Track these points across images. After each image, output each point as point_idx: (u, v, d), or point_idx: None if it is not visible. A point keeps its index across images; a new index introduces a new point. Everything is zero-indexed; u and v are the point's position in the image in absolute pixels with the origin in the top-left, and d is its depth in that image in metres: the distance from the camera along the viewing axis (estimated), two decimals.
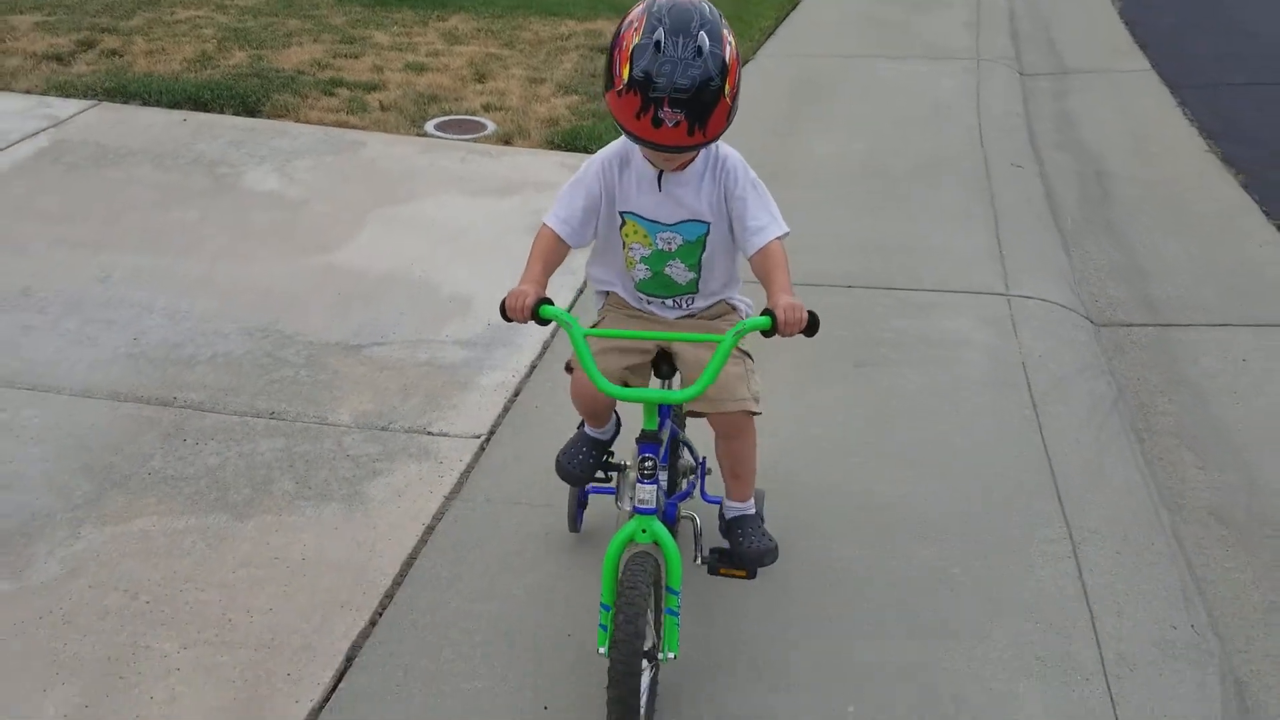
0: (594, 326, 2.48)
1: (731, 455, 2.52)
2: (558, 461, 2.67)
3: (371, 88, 6.31)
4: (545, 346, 3.74)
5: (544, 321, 2.18)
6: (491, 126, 5.92)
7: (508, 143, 5.73)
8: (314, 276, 4.20)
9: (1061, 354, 3.82)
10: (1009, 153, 5.87)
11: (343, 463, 3.14)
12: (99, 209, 4.66)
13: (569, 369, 2.48)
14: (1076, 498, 3.03)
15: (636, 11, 2.16)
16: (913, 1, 9.57)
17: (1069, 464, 3.18)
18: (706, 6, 2.18)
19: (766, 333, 2.14)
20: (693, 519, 2.54)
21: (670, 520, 2.48)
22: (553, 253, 2.33)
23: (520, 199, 4.97)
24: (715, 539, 2.59)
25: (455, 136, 5.79)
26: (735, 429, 2.45)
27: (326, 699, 2.38)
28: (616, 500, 2.55)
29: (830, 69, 7.46)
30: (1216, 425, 3.55)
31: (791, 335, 2.14)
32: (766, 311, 2.13)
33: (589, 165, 2.38)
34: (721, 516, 2.60)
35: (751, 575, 2.51)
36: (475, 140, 5.75)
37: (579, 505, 2.84)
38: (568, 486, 2.77)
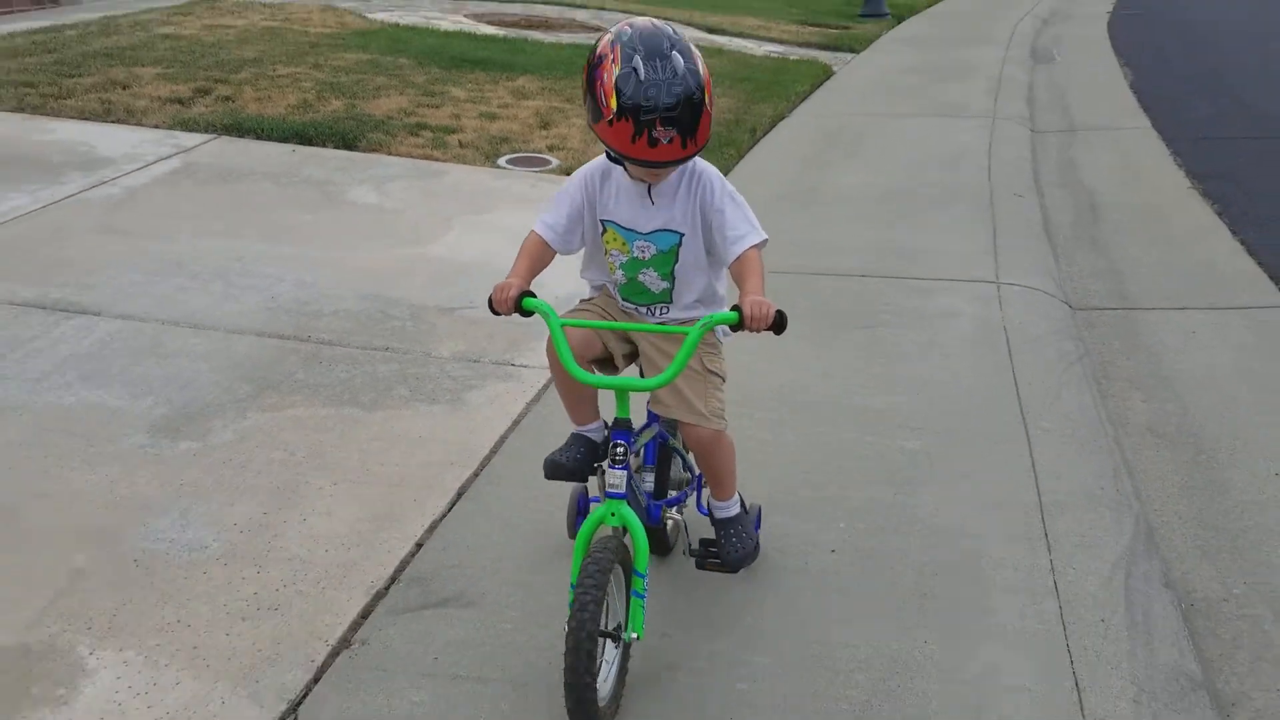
0: (571, 314, 2.67)
1: (705, 467, 2.72)
2: (546, 462, 2.75)
3: (451, 130, 7.32)
4: None
5: (526, 313, 2.41)
6: (555, 162, 6.89)
7: (569, 174, 6.66)
8: (411, 263, 5.10)
9: (1038, 324, 4.61)
10: (1013, 187, 6.73)
11: (445, 380, 3.99)
12: (228, 212, 5.62)
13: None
14: (1036, 412, 3.79)
15: (606, 45, 2.34)
16: (934, 71, 10.58)
17: (1033, 393, 3.94)
18: (669, 28, 2.37)
19: (735, 327, 2.33)
20: (681, 521, 2.81)
21: (654, 521, 2.68)
22: (538, 254, 2.58)
23: None
24: (705, 530, 2.85)
25: (524, 169, 6.76)
26: (703, 446, 2.62)
27: (442, 516, 3.18)
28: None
29: (858, 124, 8.41)
30: (1164, 376, 4.31)
31: (758, 330, 2.29)
32: (735, 307, 2.31)
33: (573, 179, 2.62)
34: (711, 515, 2.79)
35: (733, 571, 2.75)
36: (541, 172, 6.71)
37: (579, 513, 2.78)
38: (571, 489, 2.83)
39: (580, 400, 2.75)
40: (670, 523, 2.92)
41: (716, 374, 2.61)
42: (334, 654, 2.60)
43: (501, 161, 6.83)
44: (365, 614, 2.75)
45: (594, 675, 2.22)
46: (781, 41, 12.59)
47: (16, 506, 3.11)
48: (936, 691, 2.47)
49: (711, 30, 12.67)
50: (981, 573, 2.91)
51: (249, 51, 8.95)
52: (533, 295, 2.41)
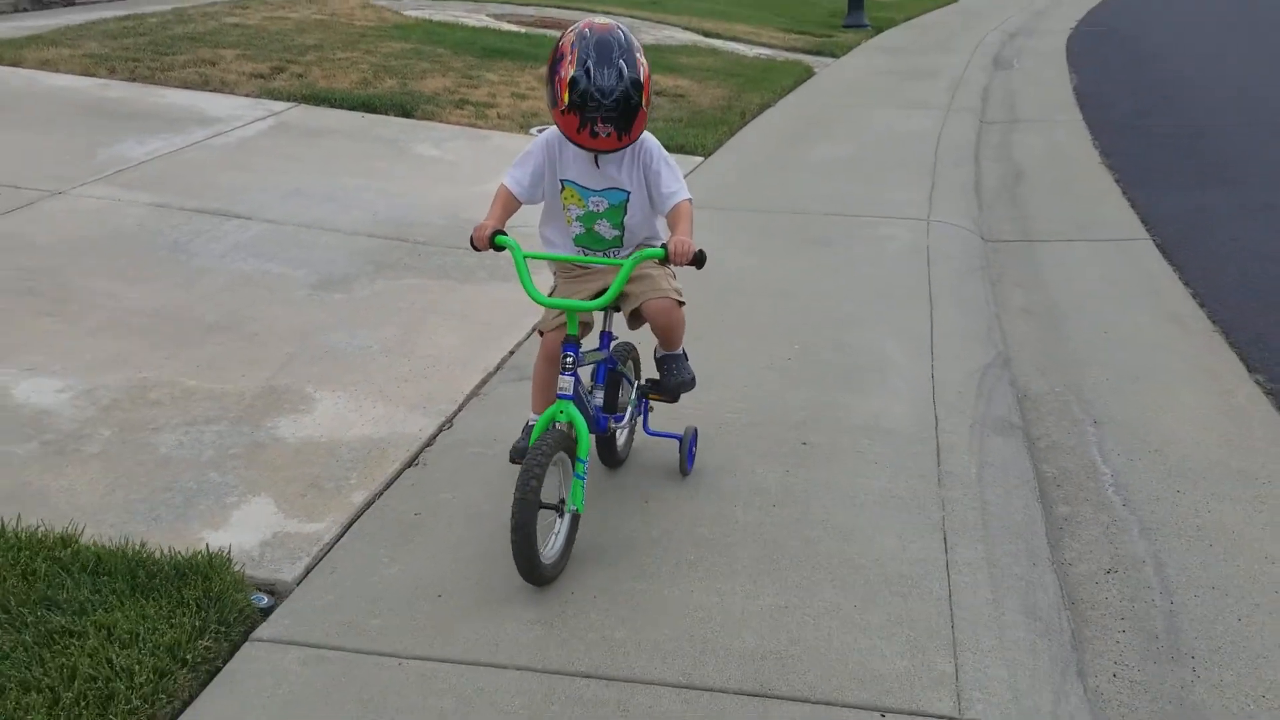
0: (550, 293, 3.23)
1: (661, 330, 3.29)
2: (514, 450, 3.25)
3: (489, 106, 8.87)
4: None
5: (499, 248, 3.00)
6: None
7: None
8: (473, 196, 6.61)
9: (954, 247, 6.18)
10: (955, 158, 8.32)
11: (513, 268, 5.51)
12: (322, 158, 7.14)
13: (540, 332, 3.25)
14: (940, 295, 5.34)
15: (568, 44, 2.90)
16: (904, 73, 12.21)
17: (940, 287, 5.48)
18: (622, 34, 2.93)
19: (662, 261, 2.96)
20: (679, 436, 3.47)
21: (601, 430, 3.23)
22: (507, 204, 3.14)
23: None
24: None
25: None
26: (665, 314, 3.18)
27: (522, 341, 4.68)
28: None
29: (832, 113, 10.01)
30: (1042, 280, 5.87)
31: (681, 265, 2.92)
32: (663, 245, 2.95)
33: (536, 142, 3.13)
34: (655, 357, 3.43)
35: (674, 399, 3.41)
36: None
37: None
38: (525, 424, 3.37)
39: (547, 388, 3.19)
40: (621, 435, 3.51)
41: (673, 274, 3.25)
42: (468, 399, 4.11)
43: (532, 130, 8.37)
44: (483, 382, 4.26)
45: (533, 538, 2.76)
46: (770, 45, 14.20)
47: (233, 324, 4.61)
48: (846, 414, 4.00)
49: (707, 34, 14.27)
50: (884, 366, 4.46)
51: (308, 39, 10.49)
52: (504, 233, 3.03)
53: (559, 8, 14.75)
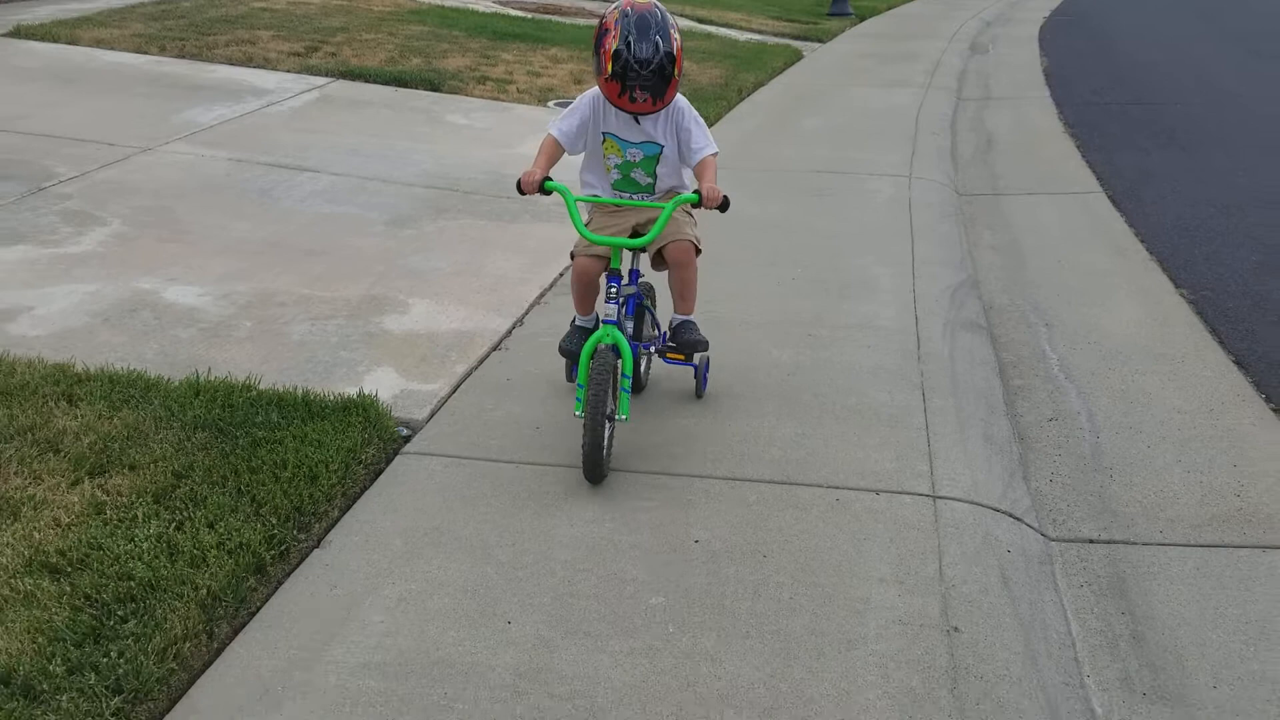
0: (585, 224, 3.62)
1: (679, 280, 3.72)
2: (560, 347, 3.84)
3: (508, 82, 9.78)
4: None
5: (548, 192, 3.41)
6: None
7: None
8: (506, 156, 7.53)
9: (932, 197, 7.14)
10: (932, 128, 9.29)
11: (553, 211, 6.43)
12: (368, 124, 8.03)
13: (573, 255, 3.71)
14: (919, 235, 6.29)
15: (612, 20, 3.33)
16: (886, 57, 13.18)
17: (920, 228, 6.43)
18: (659, 12, 3.33)
19: (695, 205, 3.37)
20: (695, 364, 3.94)
21: (634, 353, 3.54)
22: (553, 153, 3.58)
23: None
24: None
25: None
26: (684, 257, 3.64)
27: (566, 268, 5.59)
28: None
29: (820, 89, 10.97)
30: (1008, 226, 6.84)
31: (710, 207, 3.34)
32: (696, 191, 3.39)
33: (583, 98, 3.58)
34: (670, 324, 3.86)
35: (689, 360, 3.84)
36: None
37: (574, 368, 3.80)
38: (565, 360, 3.99)
39: (587, 293, 3.78)
40: (643, 362, 3.99)
41: (695, 223, 3.76)
42: (531, 305, 5.02)
43: (550, 104, 9.30)
44: (541, 294, 5.17)
45: (602, 445, 3.31)
46: (760, 31, 15.16)
47: (327, 250, 5.51)
48: (843, 317, 4.93)
49: (701, 20, 15.21)
50: (874, 284, 5.40)
51: (334, 22, 11.37)
52: (551, 179, 3.47)
53: None
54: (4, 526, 2.99)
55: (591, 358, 3.37)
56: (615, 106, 3.46)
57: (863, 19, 17.90)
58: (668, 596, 2.93)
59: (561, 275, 5.42)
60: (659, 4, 3.44)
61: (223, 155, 6.84)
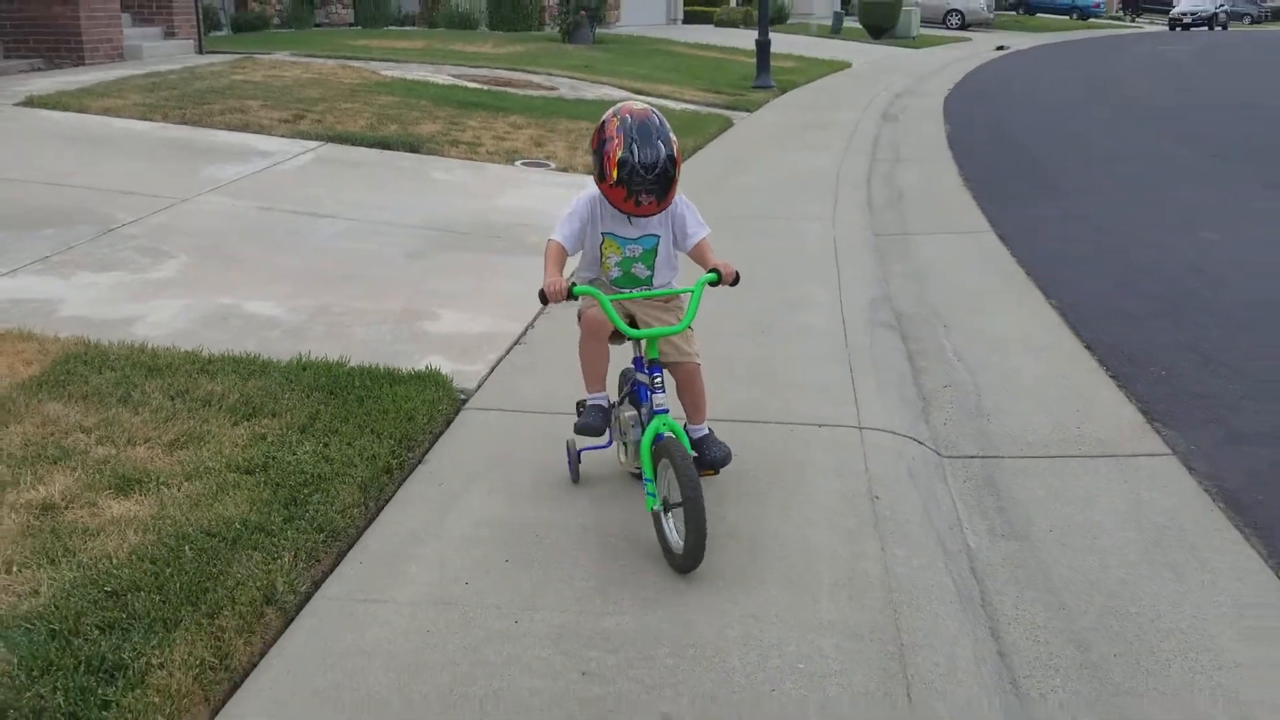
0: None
1: (691, 394, 3.90)
2: (577, 426, 3.94)
3: (478, 145, 11.17)
4: None
5: (575, 297, 3.63)
6: (552, 164, 10.80)
7: (564, 171, 10.59)
8: (489, 205, 8.88)
9: (853, 237, 8.64)
10: (851, 184, 10.89)
11: (538, 248, 7.76)
12: (363, 180, 9.34)
13: (580, 314, 3.89)
14: (844, 265, 7.75)
15: (613, 129, 3.53)
16: (808, 124, 14.91)
17: (844, 259, 7.90)
18: (657, 118, 3.56)
19: (714, 283, 3.68)
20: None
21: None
22: (559, 258, 3.74)
23: (578, 191, 9.76)
24: None
25: (533, 168, 10.64)
26: (690, 376, 3.85)
27: None
28: (616, 433, 4.09)
29: (751, 153, 12.57)
30: (915, 258, 8.35)
31: (728, 284, 3.69)
32: (713, 269, 3.69)
33: (579, 200, 3.77)
34: (690, 437, 3.82)
35: (716, 473, 3.93)
36: (544, 170, 10.60)
37: (577, 461, 4.11)
38: (567, 449, 4.17)
39: (599, 364, 3.93)
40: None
41: (692, 329, 3.86)
42: (537, 315, 6.31)
43: (517, 163, 10.71)
44: (544, 308, 6.48)
45: (705, 526, 3.37)
46: (692, 102, 16.83)
47: (360, 276, 6.76)
48: (788, 321, 6.32)
49: (636, 93, 16.83)
50: (810, 299, 6.83)
51: (312, 92, 12.71)
52: (576, 284, 3.66)
53: (507, 68, 17.21)
54: (195, 448, 4.20)
55: (653, 447, 3.58)
56: (621, 211, 3.69)
57: (784, 91, 19.74)
58: None
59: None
60: (655, 110, 3.69)
61: (251, 205, 8.10)
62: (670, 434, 3.57)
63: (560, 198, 9.29)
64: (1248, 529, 4.18)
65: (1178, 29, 54.78)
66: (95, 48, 14.10)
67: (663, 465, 3.57)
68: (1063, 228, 9.39)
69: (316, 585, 3.51)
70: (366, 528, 3.88)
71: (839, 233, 8.68)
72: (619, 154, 3.53)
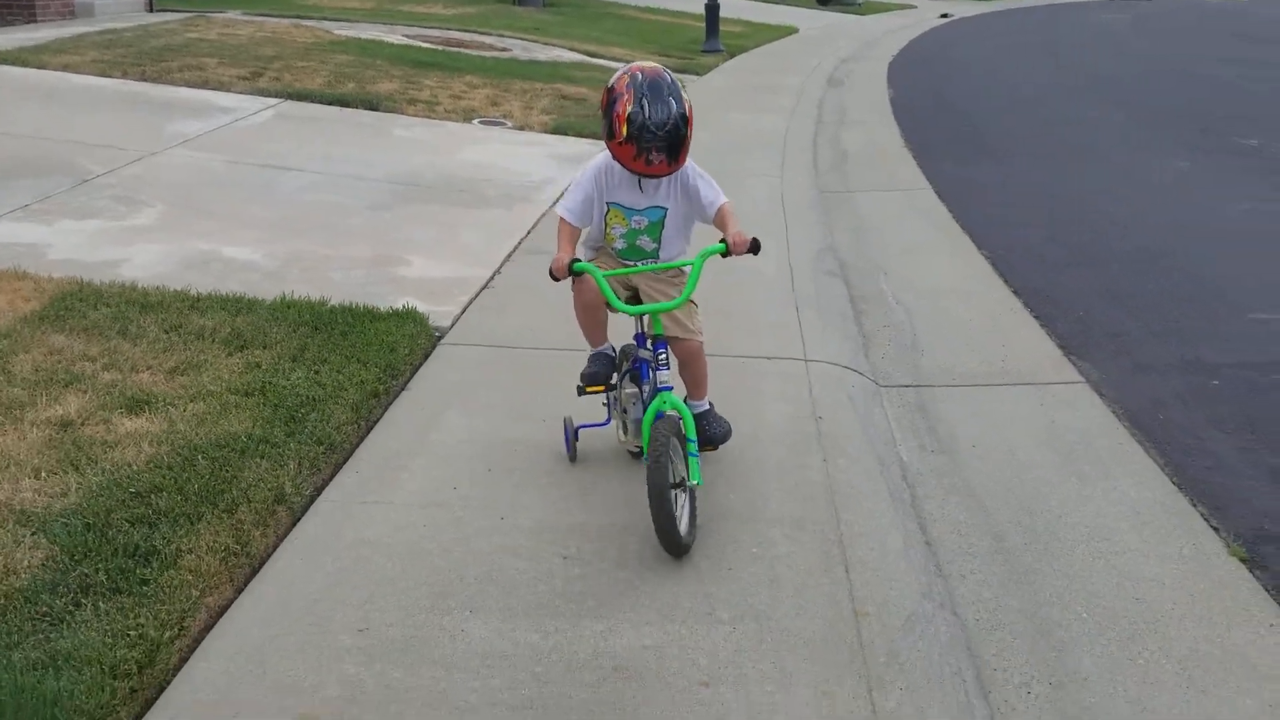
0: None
1: (690, 373, 3.88)
2: (583, 375, 3.91)
3: (435, 103, 11.46)
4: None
5: (578, 274, 3.55)
6: (510, 123, 11.13)
7: (521, 129, 10.94)
8: (450, 161, 9.21)
9: (800, 194, 9.12)
10: (798, 145, 11.35)
11: (499, 200, 8.13)
12: (325, 136, 9.62)
13: (575, 275, 3.60)
14: (791, 220, 8.22)
15: (623, 85, 3.43)
16: (757, 88, 15.34)
17: (791, 214, 8.37)
18: (668, 76, 3.46)
19: (724, 254, 3.48)
20: None
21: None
22: (569, 233, 3.67)
23: (536, 148, 10.13)
24: None
25: (490, 126, 10.97)
26: (691, 354, 3.80)
27: (521, 240, 7.31)
28: (616, 410, 4.03)
29: (702, 115, 12.80)
30: (858, 213, 8.85)
31: (741, 254, 3.46)
32: (722, 240, 3.53)
33: (585, 172, 3.67)
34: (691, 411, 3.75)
35: (715, 448, 4.00)
36: (502, 128, 10.94)
37: (574, 437, 4.08)
38: (564, 426, 4.11)
39: (597, 327, 3.92)
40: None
41: (695, 304, 3.78)
42: (503, 261, 6.70)
43: (475, 121, 11.03)
44: (509, 255, 6.86)
45: (674, 516, 3.30)
46: None
47: (329, 225, 7.10)
48: (740, 270, 6.79)
49: (590, 55, 17.15)
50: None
51: (267, 50, 12.88)
52: (579, 261, 3.59)
53: (461, 29, 17.42)
54: (195, 374, 4.57)
55: (653, 426, 3.45)
56: (630, 170, 3.55)
57: (733, 55, 20.14)
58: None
59: (521, 242, 7.15)
60: (666, 69, 3.59)
61: (218, 158, 8.37)
62: (673, 411, 3.50)
63: (518, 155, 9.69)
64: (1148, 444, 4.73)
65: None
66: (46, 4, 14.13)
67: (672, 446, 3.46)
68: (995, 185, 9.95)
69: (318, 491, 3.92)
70: (359, 444, 4.28)
71: (787, 190, 9.14)
72: (629, 109, 3.41)
